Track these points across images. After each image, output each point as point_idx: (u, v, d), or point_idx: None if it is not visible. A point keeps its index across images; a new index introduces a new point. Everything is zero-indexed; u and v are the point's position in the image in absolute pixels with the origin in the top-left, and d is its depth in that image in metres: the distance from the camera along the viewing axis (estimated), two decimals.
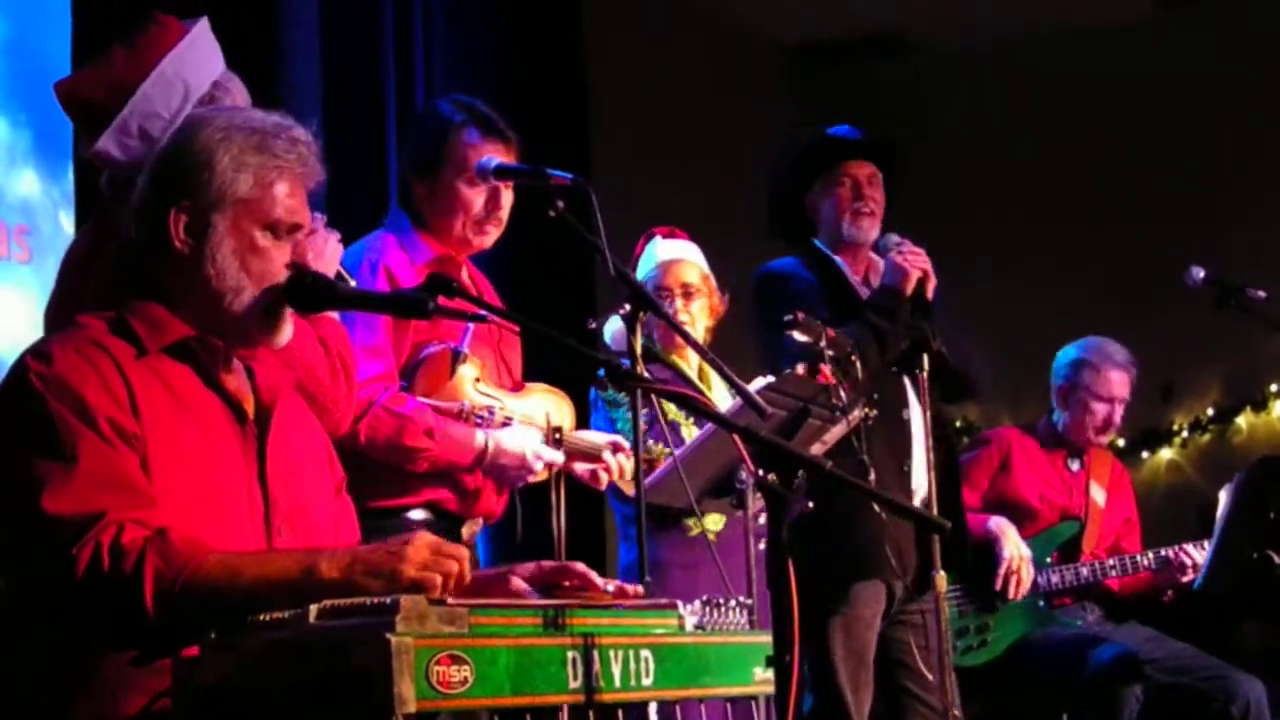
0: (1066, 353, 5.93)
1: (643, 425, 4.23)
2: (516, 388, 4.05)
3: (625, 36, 7.45)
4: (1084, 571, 5.62)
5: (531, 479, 3.91)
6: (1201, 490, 7.41)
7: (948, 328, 4.67)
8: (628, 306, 3.49)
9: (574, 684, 2.24)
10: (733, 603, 2.60)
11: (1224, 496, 5.45)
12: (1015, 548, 5.39)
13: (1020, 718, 5.44)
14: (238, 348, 2.61)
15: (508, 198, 4.00)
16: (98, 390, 2.39)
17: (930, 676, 4.39)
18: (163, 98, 3.18)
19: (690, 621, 2.53)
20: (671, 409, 4.59)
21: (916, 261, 4.54)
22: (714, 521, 4.55)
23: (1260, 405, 8.23)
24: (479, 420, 3.79)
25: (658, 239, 4.88)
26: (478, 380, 3.88)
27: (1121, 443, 8.18)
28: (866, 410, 4.07)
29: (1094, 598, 5.73)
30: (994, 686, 5.24)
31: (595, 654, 2.27)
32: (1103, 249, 8.18)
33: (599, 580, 2.60)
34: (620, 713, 2.35)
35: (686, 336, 3.93)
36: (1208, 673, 5.43)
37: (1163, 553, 5.61)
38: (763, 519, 3.89)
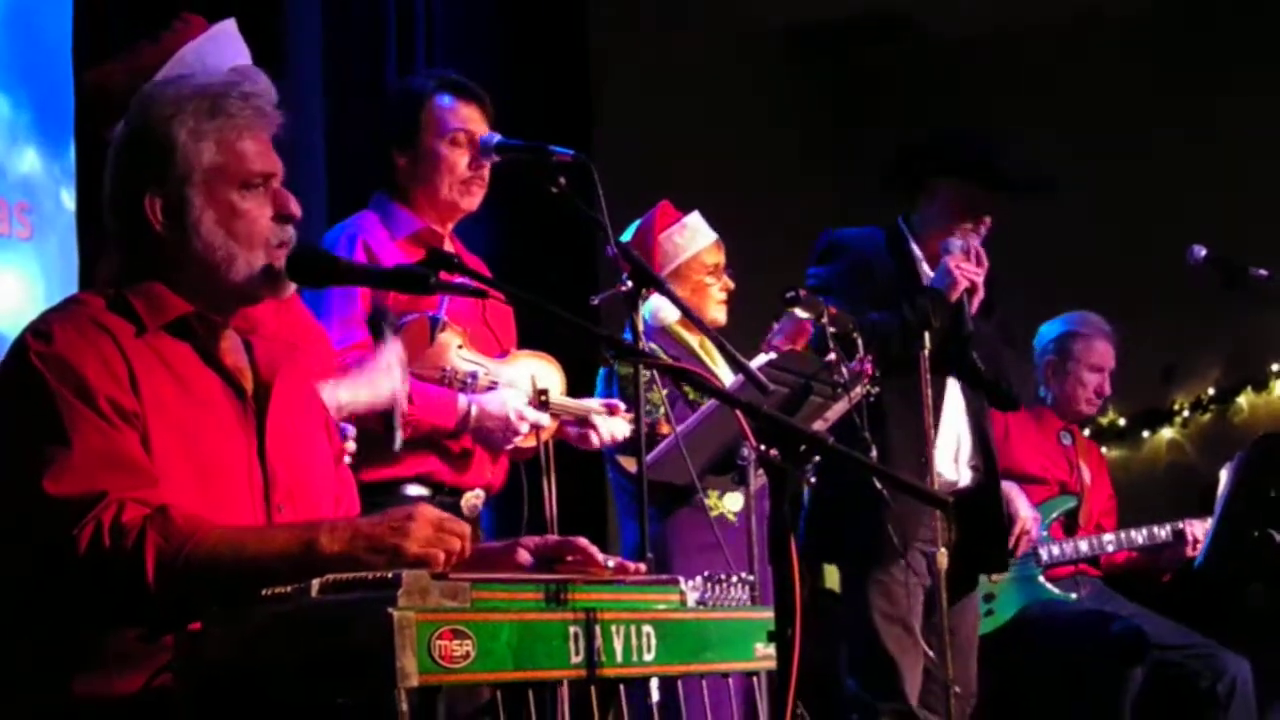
0: (1050, 327, 6.00)
1: (664, 404, 4.25)
2: (505, 355, 4.05)
3: (628, 15, 7.43)
4: (1083, 546, 5.65)
5: (519, 440, 3.88)
6: (1202, 470, 7.39)
7: (989, 342, 4.73)
8: (629, 283, 3.49)
9: (576, 659, 2.25)
10: (734, 578, 2.61)
11: (1225, 476, 5.46)
12: (1028, 508, 5.49)
13: (1026, 690, 5.47)
14: (242, 307, 2.60)
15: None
16: (98, 369, 2.39)
17: (932, 653, 4.42)
18: None
19: (692, 597, 2.54)
20: (694, 391, 4.59)
21: (968, 272, 4.63)
22: (733, 501, 4.56)
23: (1261, 385, 8.22)
24: (462, 385, 3.78)
25: (697, 215, 4.88)
26: (461, 347, 3.86)
27: (1122, 422, 8.20)
28: (868, 388, 4.08)
29: (1088, 572, 5.75)
30: (997, 658, 5.26)
31: (597, 629, 2.28)
32: (1103, 228, 8.17)
33: (600, 556, 2.60)
34: (622, 688, 2.36)
35: (689, 314, 3.93)
36: (1194, 650, 5.46)
37: (1168, 527, 5.64)
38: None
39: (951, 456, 4.75)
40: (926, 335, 4.49)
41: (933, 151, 4.91)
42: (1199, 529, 5.59)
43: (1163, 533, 5.68)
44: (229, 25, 3.33)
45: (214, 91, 2.55)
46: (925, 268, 4.79)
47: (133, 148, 2.55)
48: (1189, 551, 5.61)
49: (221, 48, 3.28)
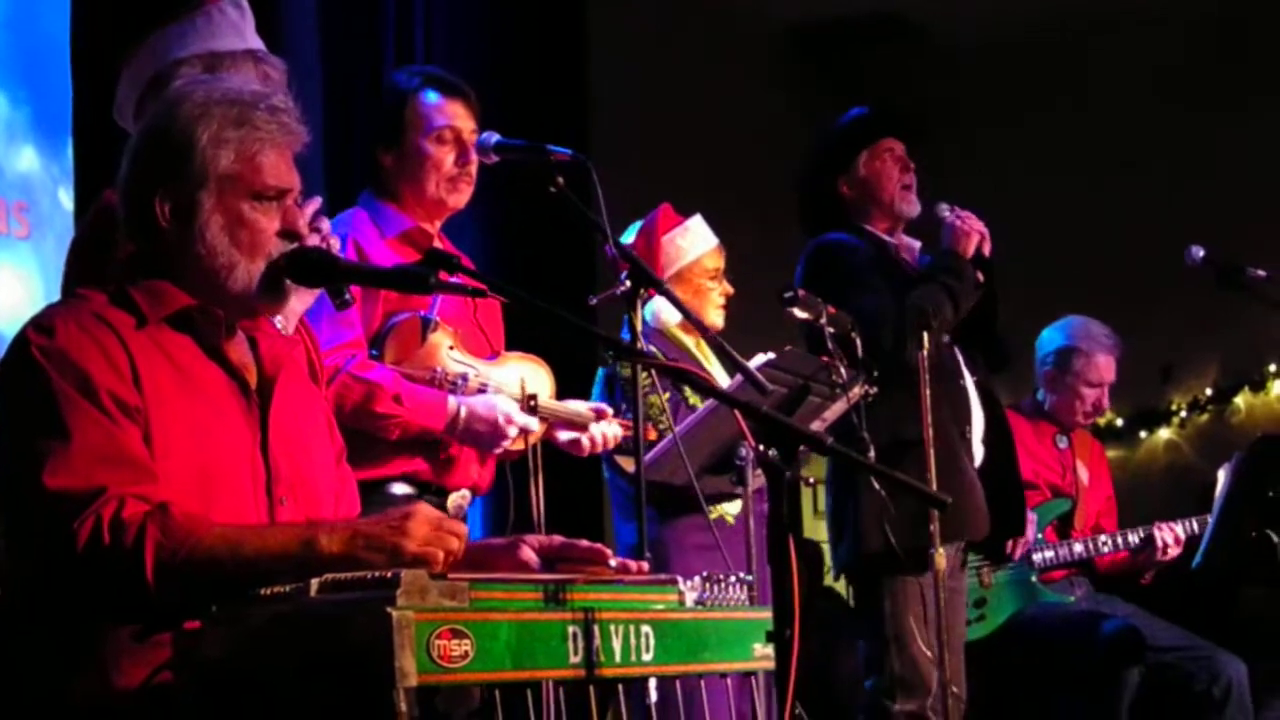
0: (1052, 338, 5.94)
1: (665, 407, 4.24)
2: (495, 356, 4.03)
3: (627, 13, 7.42)
4: (1078, 548, 5.64)
5: (507, 444, 3.85)
6: (1200, 470, 7.41)
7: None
8: (628, 283, 3.49)
9: (574, 659, 2.25)
10: (733, 579, 2.61)
11: (1223, 476, 5.45)
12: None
13: (1022, 692, 5.46)
14: (241, 318, 2.61)
15: (475, 155, 3.97)
16: (99, 363, 2.40)
17: (930, 653, 4.39)
18: (145, 64, 3.20)
19: (690, 597, 2.54)
20: (694, 395, 4.58)
21: (974, 224, 4.61)
22: (733, 505, 4.56)
23: (1259, 385, 8.24)
24: (452, 387, 3.77)
25: (699, 218, 4.87)
26: (452, 348, 3.85)
27: (1120, 422, 8.21)
28: (866, 388, 4.07)
29: (1082, 574, 5.75)
30: (991, 662, 5.25)
31: (596, 629, 2.28)
32: (1102, 229, 8.18)
33: (610, 556, 2.60)
34: (620, 687, 2.36)
35: (689, 315, 3.92)
36: (1192, 652, 5.44)
37: (1142, 532, 5.63)
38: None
39: (980, 434, 4.69)
40: (962, 300, 4.50)
41: (823, 167, 4.83)
42: (1169, 534, 5.57)
43: (1134, 537, 5.66)
44: (228, 9, 3.31)
45: (243, 101, 2.56)
46: (903, 255, 4.75)
47: (153, 144, 2.57)
48: (1160, 556, 5.59)
49: (216, 28, 3.27)
